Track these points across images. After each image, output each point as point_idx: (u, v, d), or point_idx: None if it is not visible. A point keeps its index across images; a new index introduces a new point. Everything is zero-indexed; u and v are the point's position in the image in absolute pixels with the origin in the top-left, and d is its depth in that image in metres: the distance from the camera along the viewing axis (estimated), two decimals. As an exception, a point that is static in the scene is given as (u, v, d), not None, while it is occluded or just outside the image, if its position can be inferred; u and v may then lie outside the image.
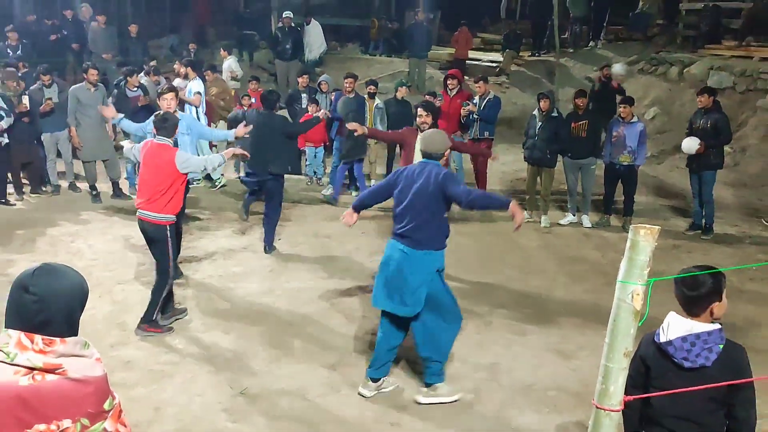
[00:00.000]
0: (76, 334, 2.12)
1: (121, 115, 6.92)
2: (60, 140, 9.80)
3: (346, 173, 10.36)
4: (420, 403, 4.97)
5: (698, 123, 8.66)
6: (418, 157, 6.49)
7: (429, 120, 6.62)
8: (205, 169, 6.06)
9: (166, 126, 5.79)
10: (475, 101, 9.85)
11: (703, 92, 8.82)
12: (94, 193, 9.77)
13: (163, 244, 5.78)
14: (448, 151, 5.24)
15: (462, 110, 9.76)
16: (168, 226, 5.75)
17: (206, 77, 10.91)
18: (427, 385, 5.06)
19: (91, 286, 6.92)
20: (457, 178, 5.12)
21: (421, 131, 6.51)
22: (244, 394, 4.99)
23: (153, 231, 5.79)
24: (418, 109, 6.75)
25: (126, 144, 6.09)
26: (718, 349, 2.87)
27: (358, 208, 5.32)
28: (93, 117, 9.36)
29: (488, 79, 11.09)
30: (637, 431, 3.21)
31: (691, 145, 8.52)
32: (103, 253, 7.79)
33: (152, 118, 6.46)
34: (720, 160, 8.79)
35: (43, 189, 10.06)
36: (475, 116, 9.70)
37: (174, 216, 5.82)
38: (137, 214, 5.87)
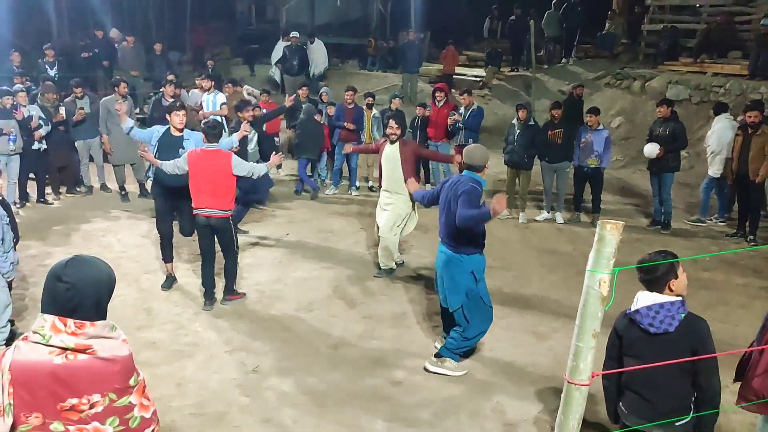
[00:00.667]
0: (104, 318, 2.12)
1: (131, 124, 6.74)
2: (92, 147, 9.79)
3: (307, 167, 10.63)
4: (427, 370, 5.01)
5: (658, 131, 8.67)
6: (384, 165, 6.72)
7: (398, 132, 6.70)
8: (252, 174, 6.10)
9: (215, 132, 5.86)
10: (460, 111, 9.86)
11: (662, 103, 8.83)
12: (123, 193, 9.74)
13: (230, 231, 6.06)
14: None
15: (449, 119, 9.76)
16: (230, 217, 6.01)
17: (226, 90, 10.85)
18: (438, 357, 5.05)
19: (120, 276, 6.94)
20: (472, 197, 4.61)
21: (391, 142, 6.69)
22: (256, 372, 4.98)
23: (222, 223, 5.93)
24: (390, 121, 6.76)
25: (166, 164, 6.01)
26: (680, 317, 2.93)
27: (419, 200, 5.78)
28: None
29: (472, 92, 11.11)
30: (615, 403, 3.23)
31: (652, 149, 8.53)
32: (131, 246, 7.76)
33: (158, 128, 6.52)
34: (677, 163, 8.81)
35: (78, 190, 10.02)
36: (460, 125, 9.74)
37: (233, 207, 6.06)
38: (200, 212, 5.87)
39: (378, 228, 7.04)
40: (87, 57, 13.80)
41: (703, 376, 2.95)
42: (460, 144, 9.82)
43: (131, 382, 2.12)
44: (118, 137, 9.42)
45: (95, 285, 2.10)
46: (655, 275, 2.97)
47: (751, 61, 12.24)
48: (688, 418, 3.01)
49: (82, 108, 9.38)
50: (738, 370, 3.49)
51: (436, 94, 10.27)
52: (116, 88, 9.49)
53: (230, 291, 6.29)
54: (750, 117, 8.00)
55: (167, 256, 6.65)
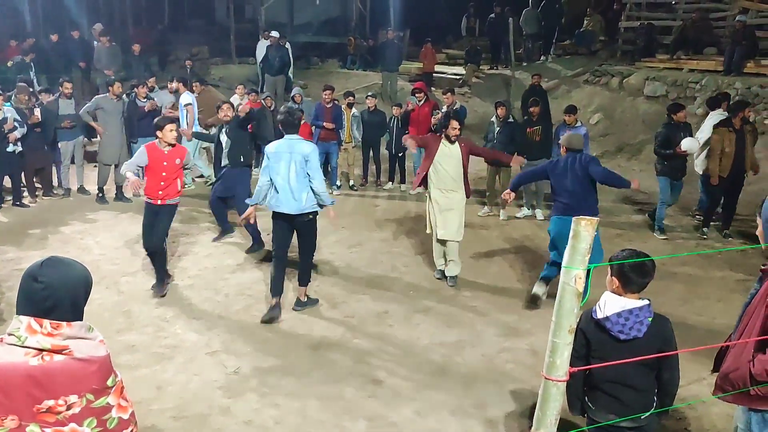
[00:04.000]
0: (81, 319, 2.10)
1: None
2: (75, 147, 9.77)
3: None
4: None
5: (680, 136, 8.20)
6: (442, 163, 6.57)
7: (459, 131, 6.66)
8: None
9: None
10: (443, 110, 9.89)
11: (680, 108, 8.46)
12: (101, 195, 9.65)
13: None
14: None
15: (432, 118, 9.84)
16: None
17: (194, 89, 10.80)
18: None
19: (99, 279, 6.86)
20: (597, 160, 6.12)
21: (451, 141, 6.59)
22: (237, 373, 4.95)
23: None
24: (451, 121, 6.62)
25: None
26: (648, 322, 2.97)
27: (515, 187, 6.40)
28: (116, 125, 9.48)
29: (455, 91, 11.14)
30: (581, 398, 3.27)
31: (691, 144, 8.02)
32: (110, 248, 7.68)
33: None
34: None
35: (55, 192, 9.89)
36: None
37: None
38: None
39: (436, 230, 6.73)
40: (62, 56, 13.63)
41: (666, 371, 3.09)
42: None
43: (109, 383, 2.11)
44: (112, 136, 9.50)
45: (71, 285, 2.08)
46: (649, 279, 3.00)
47: (725, 58, 12.41)
48: (652, 411, 3.13)
49: (70, 121, 9.45)
50: (716, 362, 3.55)
51: (416, 95, 10.31)
52: (110, 87, 9.54)
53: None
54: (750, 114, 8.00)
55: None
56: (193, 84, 10.87)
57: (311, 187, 5.71)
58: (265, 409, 4.49)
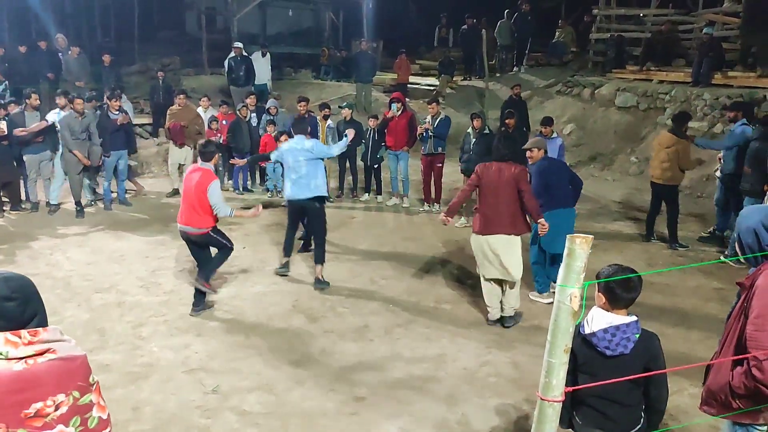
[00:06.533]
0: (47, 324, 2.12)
1: None
2: (42, 161, 9.52)
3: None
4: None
5: None
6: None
7: (540, 154, 6.66)
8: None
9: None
10: (428, 119, 9.93)
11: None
12: (79, 209, 9.45)
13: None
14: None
15: (418, 128, 9.87)
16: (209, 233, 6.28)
17: (178, 102, 10.64)
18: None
19: (70, 296, 6.69)
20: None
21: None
22: (215, 392, 4.84)
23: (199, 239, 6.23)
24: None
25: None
26: (635, 338, 2.94)
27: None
28: (83, 139, 9.21)
29: (439, 101, 11.17)
30: (569, 410, 3.25)
31: None
32: (81, 264, 7.49)
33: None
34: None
35: (23, 207, 9.65)
36: (429, 133, 9.79)
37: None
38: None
39: (488, 270, 6.00)
40: (29, 67, 13.34)
41: (654, 387, 3.07)
42: (429, 152, 9.91)
43: (91, 380, 2.13)
44: (79, 148, 9.23)
45: (34, 290, 2.10)
46: (635, 294, 2.98)
47: (693, 69, 12.65)
48: (640, 426, 3.11)
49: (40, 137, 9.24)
50: (706, 376, 3.54)
51: (396, 105, 10.30)
52: (71, 105, 9.24)
53: (206, 277, 6.30)
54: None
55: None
56: (177, 97, 10.71)
57: None
58: (245, 429, 4.39)
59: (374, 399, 4.80)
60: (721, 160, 8.50)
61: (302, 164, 6.91)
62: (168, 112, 10.96)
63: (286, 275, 7.28)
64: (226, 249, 6.32)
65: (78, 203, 9.45)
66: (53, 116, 9.46)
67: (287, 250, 7.39)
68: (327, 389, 4.92)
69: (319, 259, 7.06)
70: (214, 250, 6.39)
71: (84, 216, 9.40)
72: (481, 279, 6.13)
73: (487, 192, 5.90)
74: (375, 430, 4.42)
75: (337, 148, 7.57)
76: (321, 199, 7.12)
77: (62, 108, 9.62)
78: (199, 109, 11.18)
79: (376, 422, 4.50)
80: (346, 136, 7.97)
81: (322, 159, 7.16)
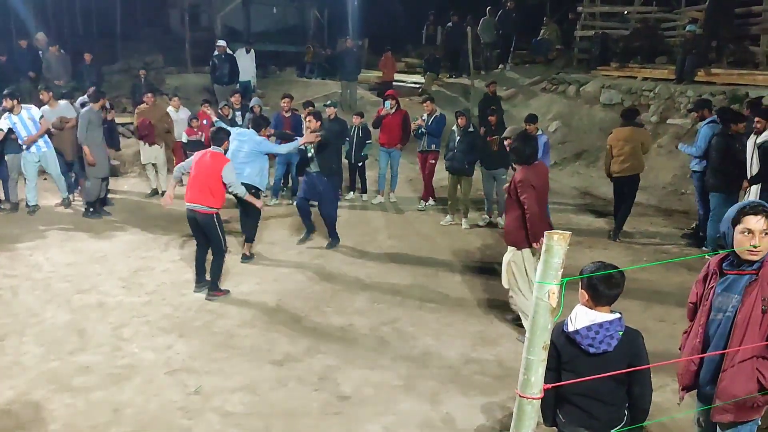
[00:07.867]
0: None
1: None
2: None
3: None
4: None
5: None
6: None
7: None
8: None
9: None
10: (423, 117, 9.95)
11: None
12: (92, 210, 9.34)
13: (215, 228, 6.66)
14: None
15: (412, 125, 9.91)
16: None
17: (146, 101, 10.56)
18: None
19: (50, 297, 6.63)
20: None
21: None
22: (198, 393, 4.80)
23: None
24: (510, 139, 6.69)
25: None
26: (619, 336, 2.93)
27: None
28: (100, 138, 9.17)
29: (434, 99, 11.15)
30: (553, 408, 3.25)
31: None
32: (61, 265, 7.40)
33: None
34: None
35: (1, 207, 9.53)
36: (423, 131, 9.82)
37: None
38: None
39: (512, 282, 5.85)
40: (6, 65, 13.20)
41: (637, 386, 3.06)
42: (423, 149, 9.95)
43: None
44: (99, 150, 9.15)
45: None
46: (618, 291, 2.96)
47: (677, 66, 12.74)
48: (623, 424, 3.11)
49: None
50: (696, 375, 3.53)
51: (390, 102, 10.32)
52: (93, 104, 9.13)
53: (214, 287, 6.61)
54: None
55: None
56: (145, 95, 10.64)
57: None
58: (227, 430, 4.36)
59: (358, 398, 4.78)
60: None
61: (242, 152, 7.40)
62: (136, 110, 10.92)
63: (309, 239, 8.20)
64: (220, 253, 6.60)
65: (92, 204, 9.34)
66: (4, 123, 9.11)
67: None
68: (311, 389, 4.89)
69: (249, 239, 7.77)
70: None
71: (101, 216, 9.36)
72: (525, 295, 5.61)
73: (542, 199, 5.78)
74: (359, 429, 4.40)
75: (285, 148, 8.08)
76: (252, 187, 7.34)
77: (46, 103, 9.56)
78: (169, 109, 11.11)
79: (361, 422, 4.48)
80: (296, 138, 8.19)
81: (266, 155, 7.72)
